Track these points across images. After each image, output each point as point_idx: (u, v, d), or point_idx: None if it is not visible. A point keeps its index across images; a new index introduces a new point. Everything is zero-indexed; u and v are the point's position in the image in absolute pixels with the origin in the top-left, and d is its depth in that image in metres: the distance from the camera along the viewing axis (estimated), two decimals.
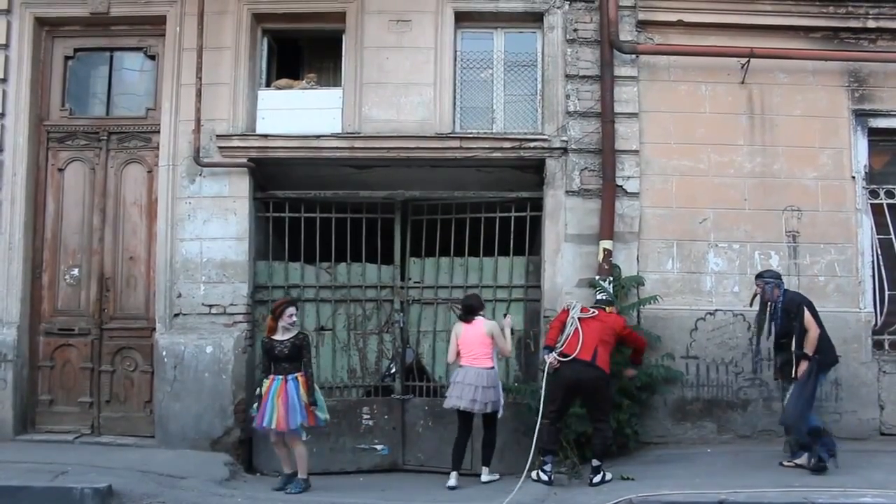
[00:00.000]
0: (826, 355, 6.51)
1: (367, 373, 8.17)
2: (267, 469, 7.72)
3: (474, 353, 6.94)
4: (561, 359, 6.42)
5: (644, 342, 6.94)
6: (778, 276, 6.80)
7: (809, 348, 6.35)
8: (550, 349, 6.53)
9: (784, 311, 6.55)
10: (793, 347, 6.41)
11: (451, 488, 6.84)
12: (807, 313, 6.43)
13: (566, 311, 6.75)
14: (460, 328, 7.11)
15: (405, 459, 7.95)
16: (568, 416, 6.82)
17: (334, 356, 8.12)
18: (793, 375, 6.38)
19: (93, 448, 7.50)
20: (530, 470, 6.50)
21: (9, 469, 6.42)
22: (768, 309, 6.71)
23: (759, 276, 6.89)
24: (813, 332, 6.38)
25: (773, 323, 6.68)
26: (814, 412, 6.42)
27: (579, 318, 6.57)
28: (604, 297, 7.13)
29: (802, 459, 6.50)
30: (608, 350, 6.53)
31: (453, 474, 6.93)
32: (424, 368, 8.16)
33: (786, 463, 6.63)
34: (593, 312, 6.69)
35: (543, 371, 6.66)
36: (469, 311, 7.13)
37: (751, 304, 6.97)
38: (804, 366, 6.32)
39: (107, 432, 7.91)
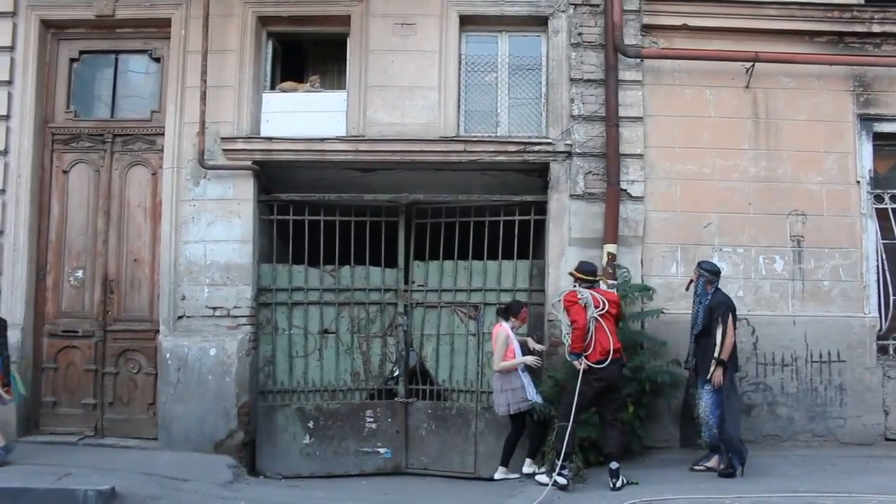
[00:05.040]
0: (735, 362, 6.68)
1: (371, 376, 8.17)
2: (271, 472, 7.74)
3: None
4: (597, 366, 6.28)
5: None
6: (715, 273, 6.74)
7: (725, 354, 6.44)
8: (579, 355, 6.33)
9: (708, 310, 6.58)
10: (714, 348, 6.48)
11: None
12: (730, 319, 6.50)
13: (578, 305, 6.38)
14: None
15: (408, 463, 7.95)
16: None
17: (338, 359, 8.12)
18: (708, 378, 6.46)
19: (96, 450, 7.50)
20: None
21: (12, 470, 6.45)
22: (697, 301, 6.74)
23: (699, 264, 6.88)
24: (730, 339, 6.47)
25: (696, 317, 6.69)
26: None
27: (597, 317, 6.39)
28: (590, 268, 6.68)
29: (713, 462, 6.62)
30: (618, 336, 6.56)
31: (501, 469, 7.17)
32: (428, 372, 8.14)
33: (696, 467, 6.69)
34: (603, 304, 6.43)
35: (577, 375, 6.36)
36: (500, 312, 7.38)
37: (686, 289, 6.98)
38: (719, 373, 6.42)
39: (110, 434, 7.91)
